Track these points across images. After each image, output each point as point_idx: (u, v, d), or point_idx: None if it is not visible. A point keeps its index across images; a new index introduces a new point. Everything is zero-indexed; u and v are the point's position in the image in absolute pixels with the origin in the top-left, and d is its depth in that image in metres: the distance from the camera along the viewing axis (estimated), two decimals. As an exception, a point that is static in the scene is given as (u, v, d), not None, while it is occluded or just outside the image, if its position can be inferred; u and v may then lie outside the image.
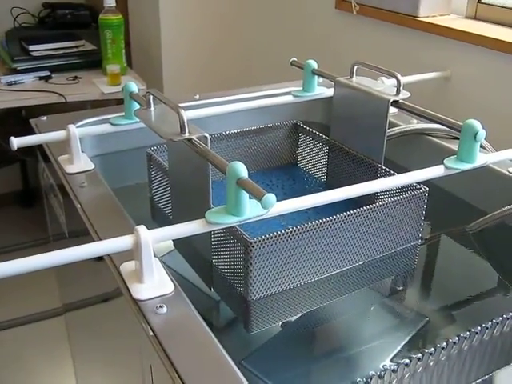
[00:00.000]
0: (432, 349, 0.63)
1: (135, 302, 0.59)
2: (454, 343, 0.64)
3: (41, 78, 1.96)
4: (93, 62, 2.08)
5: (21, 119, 2.26)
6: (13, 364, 1.89)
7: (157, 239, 0.60)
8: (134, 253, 0.61)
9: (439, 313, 0.79)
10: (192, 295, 0.75)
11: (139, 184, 1.07)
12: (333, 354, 0.71)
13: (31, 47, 2.03)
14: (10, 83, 1.90)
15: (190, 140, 0.70)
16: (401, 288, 0.83)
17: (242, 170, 0.60)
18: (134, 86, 0.91)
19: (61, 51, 2.07)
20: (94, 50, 2.11)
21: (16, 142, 0.85)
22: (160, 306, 0.58)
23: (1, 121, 2.10)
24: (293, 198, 0.98)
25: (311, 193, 1.02)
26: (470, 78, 1.28)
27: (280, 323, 0.73)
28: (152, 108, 0.80)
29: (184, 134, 0.70)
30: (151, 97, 0.79)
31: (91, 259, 0.72)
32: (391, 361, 0.69)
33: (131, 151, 1.13)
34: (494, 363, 0.69)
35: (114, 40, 1.98)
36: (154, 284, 0.61)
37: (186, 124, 0.70)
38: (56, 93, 1.83)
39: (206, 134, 0.71)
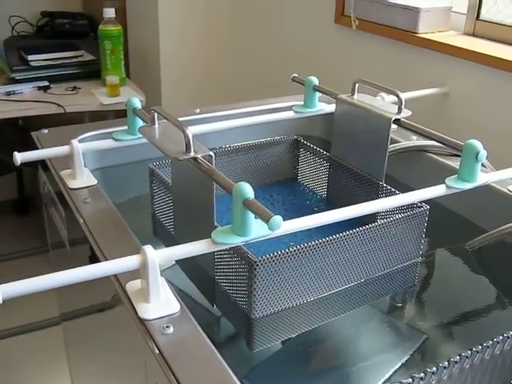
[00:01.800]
0: (434, 368, 0.63)
1: (141, 321, 0.60)
2: (456, 362, 0.65)
3: (39, 88, 1.97)
4: (92, 73, 2.09)
5: (18, 129, 2.27)
6: (8, 374, 1.88)
7: (164, 259, 0.61)
8: (140, 272, 0.61)
9: (439, 330, 0.80)
10: (194, 311, 0.75)
11: (141, 197, 1.07)
12: (333, 372, 0.72)
13: (30, 57, 2.03)
14: (8, 93, 1.91)
15: (195, 159, 0.71)
16: (401, 305, 0.84)
17: (248, 191, 0.61)
18: (137, 102, 0.91)
19: (60, 61, 2.07)
20: (92, 60, 2.11)
21: (19, 158, 0.85)
22: (167, 327, 0.58)
23: (-2, 129, 2.10)
24: (294, 213, 1.00)
25: (312, 208, 1.04)
26: (469, 95, 1.29)
27: (282, 341, 0.73)
28: (156, 125, 0.81)
29: (189, 152, 0.71)
30: (155, 114, 0.80)
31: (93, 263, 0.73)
32: (391, 378, 0.69)
33: (133, 164, 1.13)
34: (495, 381, 0.69)
35: (113, 51, 1.99)
36: (160, 303, 0.61)
37: (191, 142, 0.71)
38: (55, 103, 1.84)
39: (211, 153, 0.71)
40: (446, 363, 0.63)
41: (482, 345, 0.66)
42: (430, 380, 0.63)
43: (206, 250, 0.63)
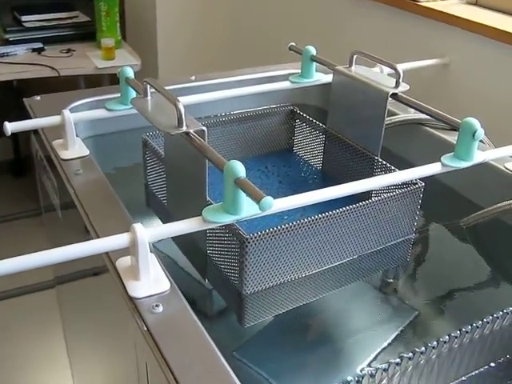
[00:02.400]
0: (423, 348, 0.63)
1: (131, 299, 0.59)
2: (445, 342, 0.65)
3: (33, 50, 1.94)
4: (87, 34, 2.05)
5: (12, 91, 2.24)
6: (5, 334, 1.91)
7: (153, 237, 0.60)
8: (130, 250, 0.61)
9: (430, 306, 0.80)
10: (185, 284, 0.75)
11: (134, 166, 1.06)
12: (323, 347, 0.72)
13: (24, 17, 1.99)
14: (1, 55, 1.87)
15: (187, 133, 0.70)
16: (393, 281, 0.84)
17: (240, 169, 0.60)
18: (130, 71, 0.89)
19: (54, 22, 2.03)
20: (87, 21, 2.08)
21: (10, 127, 0.84)
22: (156, 305, 0.58)
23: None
24: (288, 185, 0.99)
25: (307, 181, 1.03)
26: (469, 66, 1.27)
27: (273, 316, 0.74)
28: (149, 97, 0.79)
29: (181, 127, 0.70)
30: (148, 86, 0.78)
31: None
32: (380, 353, 0.70)
33: (126, 132, 1.12)
34: (484, 360, 0.70)
35: (109, 12, 1.95)
36: (149, 281, 0.61)
37: (183, 117, 0.70)
38: (49, 66, 1.81)
39: (204, 128, 0.70)
40: (435, 343, 0.64)
41: (471, 325, 0.66)
42: (419, 359, 0.64)
43: (196, 228, 0.62)
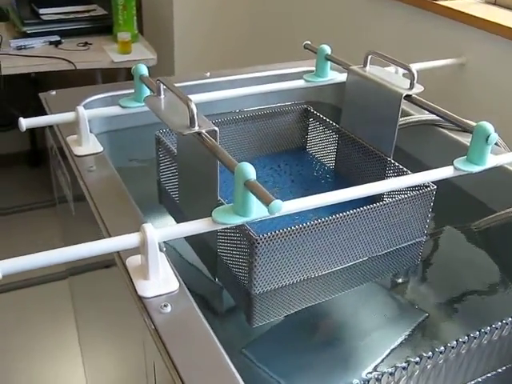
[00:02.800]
0: (430, 352, 0.63)
1: (140, 298, 0.60)
2: (453, 347, 0.65)
3: (51, 43, 1.95)
4: (104, 28, 2.06)
5: (30, 82, 2.25)
6: (20, 322, 1.93)
7: (163, 237, 0.61)
8: (140, 249, 0.61)
9: (438, 310, 0.80)
10: (195, 281, 0.76)
11: (147, 162, 1.07)
12: (332, 348, 0.72)
13: (41, 10, 2.00)
14: (19, 47, 1.89)
15: (199, 134, 0.70)
16: (403, 283, 0.84)
17: (250, 171, 0.60)
18: (144, 69, 0.90)
19: (71, 15, 2.04)
20: (105, 15, 2.08)
21: (25, 123, 0.85)
22: (164, 305, 0.59)
23: (10, 83, 2.08)
24: (300, 184, 0.99)
25: (319, 180, 1.03)
26: (486, 67, 1.26)
27: (282, 317, 0.74)
28: (162, 96, 0.79)
29: (193, 127, 0.70)
30: (161, 85, 0.78)
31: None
32: (388, 356, 0.70)
33: (140, 128, 1.13)
34: (491, 365, 0.70)
35: (126, 6, 1.95)
36: (158, 281, 0.62)
37: (195, 117, 0.70)
38: (66, 60, 1.82)
39: (216, 128, 0.70)
40: (443, 348, 0.64)
41: (479, 330, 0.66)
42: (426, 364, 0.63)
43: (206, 229, 0.62)
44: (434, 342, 0.74)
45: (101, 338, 1.09)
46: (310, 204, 0.69)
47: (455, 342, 0.64)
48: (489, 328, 0.66)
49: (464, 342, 0.65)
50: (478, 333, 0.65)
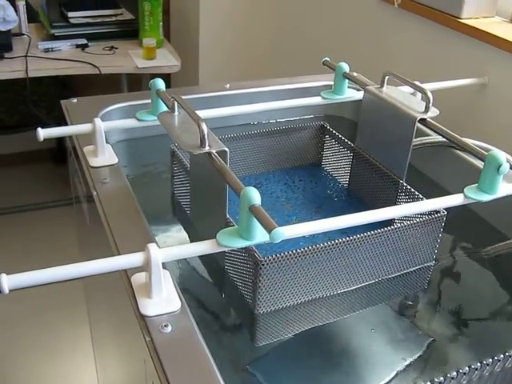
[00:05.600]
0: (442, 378, 0.63)
1: (142, 317, 0.61)
2: (465, 373, 0.64)
3: (78, 46, 1.98)
4: (130, 32, 2.08)
5: (57, 82, 2.29)
6: (35, 320, 1.97)
7: (167, 258, 0.62)
8: (144, 268, 0.62)
9: (444, 335, 0.79)
10: (201, 295, 0.76)
11: (163, 172, 1.08)
12: (335, 370, 0.72)
13: (70, 14, 2.04)
14: (46, 50, 1.92)
15: (209, 154, 0.71)
16: (409, 308, 0.84)
17: (255, 197, 0.61)
18: (162, 83, 0.91)
19: (99, 19, 2.07)
20: (132, 19, 2.10)
21: (42, 134, 0.86)
22: (165, 325, 0.60)
23: (38, 82, 2.11)
24: (312, 202, 0.99)
25: (331, 198, 1.03)
26: (508, 88, 1.24)
27: (286, 337, 0.74)
28: (176, 113, 0.81)
29: (204, 147, 0.71)
30: (175, 102, 0.79)
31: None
32: (392, 380, 0.70)
33: (157, 137, 1.14)
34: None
35: (152, 12, 1.97)
36: (161, 300, 0.63)
37: (205, 137, 0.71)
38: (91, 64, 1.84)
39: (226, 149, 0.71)
40: (455, 373, 0.63)
41: (493, 358, 0.65)
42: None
43: (210, 250, 0.63)
44: (439, 367, 0.74)
45: (110, 343, 1.11)
46: (315, 229, 0.69)
47: (467, 368, 0.64)
48: (502, 356, 0.65)
49: (477, 369, 0.65)
50: (490, 360, 0.65)
